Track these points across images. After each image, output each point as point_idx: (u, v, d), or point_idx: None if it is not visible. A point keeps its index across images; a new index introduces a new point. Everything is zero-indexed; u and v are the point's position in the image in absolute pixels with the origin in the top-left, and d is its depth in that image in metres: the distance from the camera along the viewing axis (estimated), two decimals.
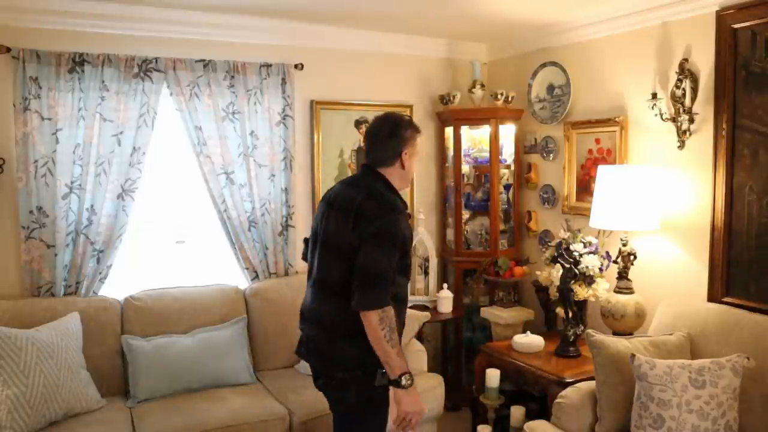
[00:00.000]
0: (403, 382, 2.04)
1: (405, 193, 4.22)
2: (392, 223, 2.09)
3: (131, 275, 3.52)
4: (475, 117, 4.12)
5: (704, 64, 2.94)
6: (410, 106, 4.25)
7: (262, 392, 3.16)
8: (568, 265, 3.06)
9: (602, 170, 3.18)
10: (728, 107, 2.82)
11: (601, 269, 3.08)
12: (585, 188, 3.65)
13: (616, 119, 3.40)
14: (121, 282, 3.45)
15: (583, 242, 3.09)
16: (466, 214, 4.24)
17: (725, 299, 2.86)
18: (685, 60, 2.99)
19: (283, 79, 3.71)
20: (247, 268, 3.67)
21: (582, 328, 3.16)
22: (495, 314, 3.82)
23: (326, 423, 2.63)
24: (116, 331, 3.17)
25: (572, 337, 3.17)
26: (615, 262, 3.17)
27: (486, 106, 4.15)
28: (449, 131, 4.25)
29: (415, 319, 3.51)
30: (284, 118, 3.72)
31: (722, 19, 2.82)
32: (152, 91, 3.35)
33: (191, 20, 3.43)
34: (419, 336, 3.71)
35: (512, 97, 4.05)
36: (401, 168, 2.22)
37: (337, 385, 2.18)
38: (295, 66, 3.78)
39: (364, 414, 2.21)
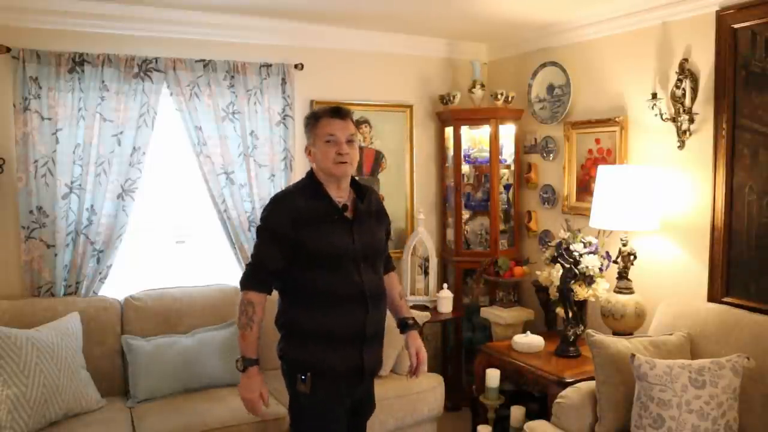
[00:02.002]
0: (237, 365, 2.14)
1: (405, 193, 4.25)
2: (264, 215, 2.19)
3: (131, 275, 3.52)
4: (475, 117, 4.12)
5: (704, 64, 2.94)
6: (410, 106, 4.25)
7: None
8: (568, 265, 3.06)
9: (602, 170, 3.18)
10: (728, 107, 2.82)
11: (601, 269, 3.08)
12: (585, 188, 3.65)
13: (616, 119, 3.40)
14: (121, 282, 3.45)
15: (583, 242, 3.08)
16: (466, 214, 4.24)
17: (725, 299, 2.86)
18: (685, 60, 2.99)
19: (283, 79, 3.71)
20: None
21: (582, 328, 3.16)
22: (495, 314, 3.82)
23: None
24: (116, 331, 3.17)
25: (572, 337, 3.17)
26: (615, 262, 3.17)
27: (486, 106, 4.15)
28: (449, 131, 4.25)
29: (417, 317, 3.51)
30: (284, 118, 3.73)
31: (722, 19, 2.82)
32: (152, 91, 3.35)
33: (191, 20, 3.43)
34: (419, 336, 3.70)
35: (512, 97, 4.05)
36: (312, 159, 2.24)
37: None
38: (295, 66, 3.78)
39: (293, 415, 2.25)
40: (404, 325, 2.39)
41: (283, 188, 2.34)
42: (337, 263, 2.13)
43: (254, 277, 2.15)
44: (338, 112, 2.18)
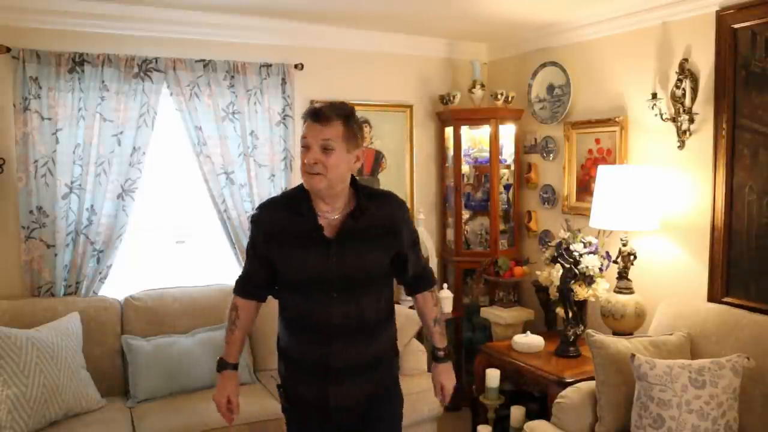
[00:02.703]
0: (217, 366, 2.10)
1: (405, 193, 4.25)
2: (249, 225, 2.10)
3: (131, 275, 3.52)
4: (475, 117, 4.12)
5: (704, 64, 2.94)
6: (410, 106, 4.25)
7: (262, 392, 3.16)
8: (568, 265, 3.06)
9: (602, 170, 3.18)
10: (728, 107, 2.82)
11: (601, 269, 3.08)
12: (585, 188, 3.65)
13: (616, 119, 3.40)
14: (121, 282, 3.45)
15: (583, 242, 3.09)
16: (466, 214, 4.24)
17: (725, 299, 2.86)
18: (685, 60, 2.99)
19: (283, 79, 3.71)
20: None
21: (582, 328, 3.16)
22: (495, 314, 3.82)
23: None
24: (116, 331, 3.17)
25: (572, 337, 3.17)
26: (615, 262, 3.17)
27: (486, 106, 4.15)
28: (449, 131, 4.25)
29: (415, 319, 3.50)
30: (284, 118, 3.73)
31: (722, 19, 2.82)
32: (152, 91, 3.35)
33: (191, 20, 3.43)
34: (419, 336, 3.71)
35: (512, 97, 4.05)
36: None
37: None
38: (295, 66, 3.78)
39: None
40: (434, 356, 2.22)
41: (277, 193, 2.20)
42: (306, 289, 1.91)
43: (242, 287, 2.09)
44: (316, 114, 1.85)
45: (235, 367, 2.09)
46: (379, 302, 2.00)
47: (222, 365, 2.09)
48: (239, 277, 2.12)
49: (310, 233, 1.89)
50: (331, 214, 1.93)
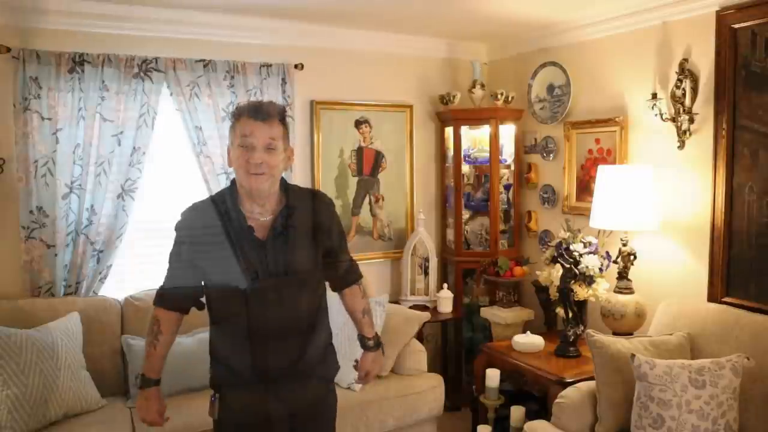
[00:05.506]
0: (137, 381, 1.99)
1: (405, 193, 4.25)
2: (176, 227, 2.03)
3: (131, 275, 3.52)
4: (475, 117, 4.12)
5: (704, 64, 2.95)
6: (410, 106, 4.25)
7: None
8: (568, 265, 3.06)
9: (602, 170, 3.18)
10: (728, 107, 2.82)
11: (601, 269, 3.08)
12: (585, 188, 3.65)
13: (616, 119, 3.40)
14: (121, 282, 3.45)
15: (583, 242, 3.09)
16: (466, 214, 4.24)
17: (725, 299, 2.86)
18: (685, 60, 2.99)
19: (283, 79, 3.71)
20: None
21: (582, 328, 3.16)
22: (495, 314, 3.82)
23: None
24: (116, 331, 3.17)
25: (572, 337, 3.17)
26: (615, 262, 3.17)
27: (486, 106, 4.15)
28: (449, 131, 4.25)
29: (415, 319, 3.51)
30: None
31: (722, 19, 2.82)
32: (152, 91, 3.35)
33: (191, 20, 3.43)
34: (419, 336, 3.71)
35: (512, 97, 4.05)
36: (230, 164, 1.90)
37: None
38: (295, 66, 3.78)
39: None
40: (362, 344, 2.17)
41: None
42: (240, 294, 1.84)
43: (164, 299, 1.99)
44: (259, 112, 1.81)
45: (158, 383, 1.99)
46: (314, 301, 1.97)
47: (145, 382, 1.96)
48: (160, 288, 2.00)
49: (241, 236, 1.85)
50: (262, 215, 1.89)
